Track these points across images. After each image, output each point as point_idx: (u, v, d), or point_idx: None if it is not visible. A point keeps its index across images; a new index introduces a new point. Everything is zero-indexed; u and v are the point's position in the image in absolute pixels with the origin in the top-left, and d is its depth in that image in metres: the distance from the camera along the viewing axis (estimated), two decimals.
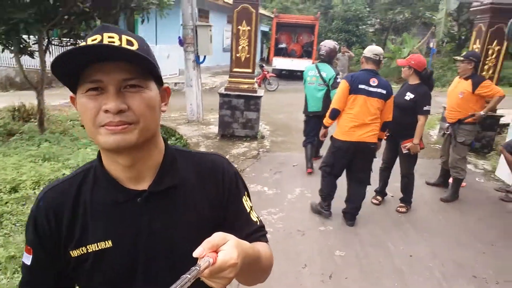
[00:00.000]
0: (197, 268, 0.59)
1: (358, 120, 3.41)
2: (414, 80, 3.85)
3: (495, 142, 6.22)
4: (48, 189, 0.85)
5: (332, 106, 3.59)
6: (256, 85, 6.64)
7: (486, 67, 6.00)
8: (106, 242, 0.79)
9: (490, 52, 5.96)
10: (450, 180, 4.58)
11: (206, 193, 0.86)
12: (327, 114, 3.65)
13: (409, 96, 3.80)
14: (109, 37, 0.71)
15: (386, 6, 19.12)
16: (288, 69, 16.23)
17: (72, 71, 0.71)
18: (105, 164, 0.81)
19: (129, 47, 0.71)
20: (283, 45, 16.48)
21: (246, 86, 6.40)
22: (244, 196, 0.92)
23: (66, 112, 8.44)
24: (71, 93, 0.78)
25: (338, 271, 2.97)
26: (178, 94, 12.51)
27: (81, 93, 0.73)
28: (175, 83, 13.50)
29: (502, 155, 4.93)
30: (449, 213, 4.10)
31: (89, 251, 0.80)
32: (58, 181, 0.86)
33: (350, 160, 3.57)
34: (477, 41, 6.14)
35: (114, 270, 0.80)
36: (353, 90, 3.40)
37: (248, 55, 6.32)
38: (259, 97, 6.49)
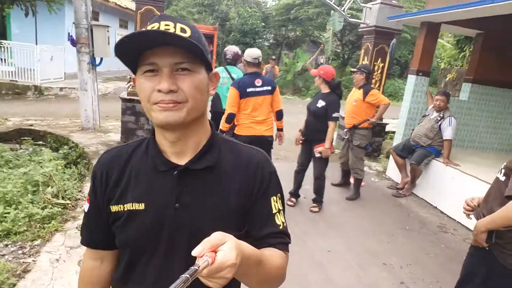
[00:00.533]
0: (196, 267, 0.60)
1: (254, 118, 3.75)
2: (324, 89, 4.13)
3: (382, 147, 7.06)
4: (108, 150, 0.98)
5: (227, 111, 3.74)
6: None
7: (373, 81, 6.80)
8: (140, 204, 0.87)
9: (376, 68, 6.78)
10: (352, 180, 5.01)
11: (238, 182, 0.89)
12: (223, 118, 3.78)
13: (320, 103, 4.05)
14: (165, 25, 0.79)
15: (280, 23, 20.41)
16: None
17: (132, 54, 0.79)
18: (156, 137, 0.90)
19: (182, 34, 0.78)
20: None
21: None
22: (274, 197, 0.92)
23: None
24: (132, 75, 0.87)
25: None
26: (65, 100, 11.21)
27: (140, 74, 0.81)
28: (61, 88, 12.09)
29: (391, 157, 5.61)
30: (356, 210, 4.46)
31: (124, 209, 0.88)
32: (117, 146, 0.97)
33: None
34: (365, 57, 6.93)
35: (141, 231, 0.87)
36: (243, 94, 3.67)
37: None
38: None
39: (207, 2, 21.76)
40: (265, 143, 3.80)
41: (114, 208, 0.90)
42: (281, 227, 0.91)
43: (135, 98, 5.87)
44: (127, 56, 0.80)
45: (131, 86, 6.11)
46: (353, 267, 3.16)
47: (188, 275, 0.58)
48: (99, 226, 0.95)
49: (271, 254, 0.85)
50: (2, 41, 11.99)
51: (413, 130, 5.26)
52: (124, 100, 5.87)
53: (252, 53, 3.80)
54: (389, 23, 6.16)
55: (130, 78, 12.00)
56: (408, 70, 19.81)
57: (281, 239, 0.90)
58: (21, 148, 6.45)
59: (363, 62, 6.96)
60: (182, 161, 0.88)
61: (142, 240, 0.88)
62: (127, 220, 0.88)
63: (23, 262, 2.72)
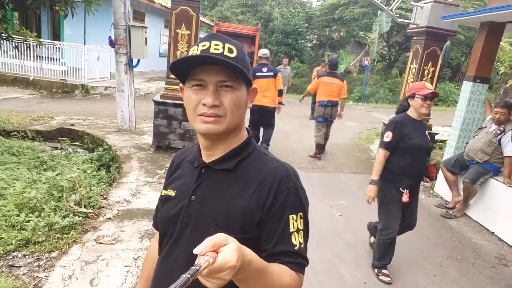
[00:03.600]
0: (197, 267, 0.60)
1: (260, 93, 5.53)
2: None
3: (431, 158, 6.43)
4: (182, 148, 1.30)
5: None
6: None
7: None
8: (173, 191, 1.02)
9: (425, 72, 6.18)
10: None
11: (252, 189, 0.91)
12: None
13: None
14: (215, 44, 0.89)
15: (323, 23, 19.81)
16: None
17: (185, 70, 0.90)
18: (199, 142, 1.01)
19: (229, 54, 0.89)
20: None
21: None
22: (294, 215, 0.90)
23: None
24: (180, 84, 0.98)
25: None
26: (109, 99, 11.50)
27: (188, 87, 0.92)
28: (106, 87, 12.46)
29: (440, 172, 5.04)
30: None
31: (165, 194, 1.05)
32: (187, 147, 1.14)
33: (261, 116, 5.98)
34: (414, 61, 6.34)
35: (167, 214, 1.00)
36: (254, 77, 5.66)
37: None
38: None
39: (250, 3, 21.68)
40: (267, 111, 5.95)
41: (162, 192, 1.07)
42: (296, 248, 0.88)
43: (168, 101, 5.75)
44: (180, 71, 0.91)
45: (163, 90, 6.00)
46: None
47: (189, 275, 0.58)
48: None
49: (279, 270, 0.84)
50: (55, 42, 12.62)
51: (467, 143, 4.68)
52: (156, 103, 5.77)
53: (262, 51, 6.04)
54: (442, 23, 5.56)
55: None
56: (460, 73, 18.52)
57: (294, 259, 0.88)
58: (61, 148, 6.61)
59: (411, 66, 6.39)
60: (210, 160, 0.97)
61: (166, 221, 1.00)
62: (163, 204, 1.04)
63: (36, 276, 2.61)
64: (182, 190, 0.99)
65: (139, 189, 4.34)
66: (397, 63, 18.55)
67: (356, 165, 6.37)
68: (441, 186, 5.17)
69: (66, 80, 12.29)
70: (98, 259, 2.89)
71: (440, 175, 5.08)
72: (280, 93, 6.02)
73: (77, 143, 6.77)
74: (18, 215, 3.15)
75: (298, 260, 0.88)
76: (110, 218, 3.56)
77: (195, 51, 0.89)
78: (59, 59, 12.45)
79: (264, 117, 6.00)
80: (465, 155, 4.55)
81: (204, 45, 0.89)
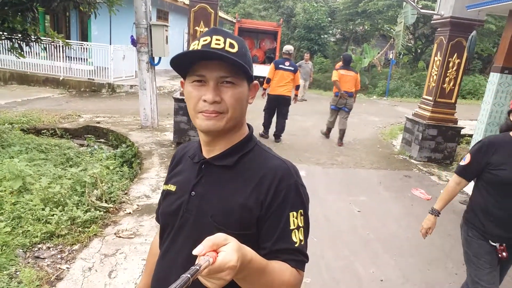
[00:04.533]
0: (197, 267, 0.60)
1: (279, 83, 6.58)
2: None
3: (456, 153, 6.23)
4: (184, 143, 1.25)
5: (267, 77, 6.72)
6: None
7: (447, 79, 6.00)
8: (174, 186, 1.02)
9: (450, 64, 5.96)
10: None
11: (253, 187, 0.90)
12: (265, 80, 6.75)
13: None
14: (216, 39, 0.88)
15: (347, 17, 19.44)
16: None
17: (185, 65, 0.90)
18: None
19: (230, 49, 0.87)
20: None
21: None
22: (294, 212, 0.89)
23: (4, 114, 7.54)
24: (181, 79, 0.97)
25: None
26: (134, 97, 11.79)
27: (188, 82, 0.91)
28: (131, 86, 12.78)
29: None
30: (417, 230, 3.87)
31: (166, 189, 1.05)
32: (189, 142, 1.13)
33: (277, 105, 6.75)
34: (438, 53, 6.14)
35: (168, 209, 1.01)
36: (276, 67, 6.60)
37: None
38: None
39: None
40: (284, 99, 6.70)
41: (164, 187, 1.07)
42: (297, 245, 0.88)
43: None
44: (181, 66, 0.91)
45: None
46: None
47: (189, 275, 0.58)
48: None
49: (279, 267, 0.83)
50: (83, 42, 13.06)
51: None
52: (176, 100, 5.87)
53: (286, 48, 6.92)
54: (468, 13, 5.34)
55: None
56: (491, 65, 17.69)
57: (294, 256, 0.87)
58: (87, 145, 6.84)
59: (436, 58, 6.18)
60: (210, 156, 0.97)
61: (167, 216, 1.01)
62: (164, 198, 1.05)
63: (59, 268, 2.73)
64: (183, 186, 0.99)
65: (159, 184, 4.44)
66: (423, 56, 17.96)
67: (378, 160, 6.24)
68: None
69: (93, 79, 12.70)
70: (117, 252, 2.98)
71: None
72: (298, 87, 7.08)
73: (102, 140, 6.98)
74: (43, 209, 3.30)
75: (298, 257, 0.88)
76: (130, 213, 3.66)
77: (196, 46, 0.88)
78: (86, 59, 12.88)
79: (280, 106, 6.77)
80: None
81: (205, 40, 0.88)
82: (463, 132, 6.51)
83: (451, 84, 6.03)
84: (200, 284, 0.66)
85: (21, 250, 2.88)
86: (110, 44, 12.58)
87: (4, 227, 2.96)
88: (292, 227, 0.88)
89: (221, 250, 0.65)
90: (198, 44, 0.88)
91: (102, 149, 6.24)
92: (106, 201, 3.67)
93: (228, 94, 0.87)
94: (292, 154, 6.19)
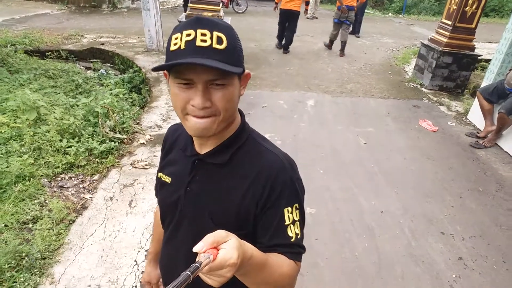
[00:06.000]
0: (198, 265, 0.60)
1: None
2: None
3: (470, 81, 6.09)
4: (173, 125, 1.12)
5: None
6: (222, 12, 5.92)
7: (470, 1, 5.57)
8: (168, 178, 1.02)
9: None
10: None
11: (247, 184, 0.89)
12: None
13: None
14: (202, 34, 0.77)
15: None
16: None
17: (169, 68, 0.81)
18: None
19: (218, 46, 0.78)
20: None
21: (210, 13, 5.68)
22: (289, 207, 0.89)
23: (5, 34, 7.33)
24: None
25: (308, 232, 2.83)
26: (136, 14, 11.24)
27: (174, 83, 0.83)
28: (133, 1, 12.11)
29: (476, 99, 4.82)
30: (421, 162, 4.02)
31: (161, 178, 1.04)
32: (179, 123, 1.04)
33: (286, 19, 7.31)
34: None
35: (166, 199, 1.03)
36: None
37: None
38: None
39: None
40: (294, 14, 7.23)
41: (159, 174, 1.07)
42: (293, 239, 0.88)
43: None
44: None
45: (188, 9, 5.78)
46: (406, 234, 2.92)
47: (189, 273, 0.59)
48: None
49: (278, 261, 0.85)
50: None
51: (510, 70, 4.35)
52: None
53: None
54: None
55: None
56: None
57: (291, 249, 0.88)
58: (94, 69, 6.76)
59: None
60: (203, 151, 0.95)
61: (165, 207, 1.04)
62: (161, 187, 1.06)
63: (83, 197, 2.95)
64: (177, 179, 0.99)
65: (169, 114, 4.51)
66: None
67: (388, 88, 6.16)
68: (475, 114, 4.98)
69: None
70: (135, 182, 3.18)
71: (476, 102, 4.86)
72: (307, 3, 8.20)
73: (108, 64, 6.88)
74: (60, 141, 3.44)
75: (295, 250, 0.89)
76: (143, 143, 3.80)
77: (178, 41, 0.78)
78: None
79: (289, 19, 7.34)
80: (505, 83, 4.27)
81: (189, 35, 0.77)
82: (482, 56, 6.25)
83: (474, 6, 5.61)
84: (201, 281, 0.66)
85: (46, 180, 3.08)
86: None
87: (27, 158, 3.12)
88: (287, 222, 0.88)
89: (222, 247, 0.65)
90: (180, 40, 0.78)
91: (109, 74, 6.19)
92: (119, 132, 3.78)
93: (219, 96, 0.81)
94: (301, 81, 6.10)
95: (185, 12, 8.11)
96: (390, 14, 14.55)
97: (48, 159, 3.25)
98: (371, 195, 3.37)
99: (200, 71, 0.78)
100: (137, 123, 4.18)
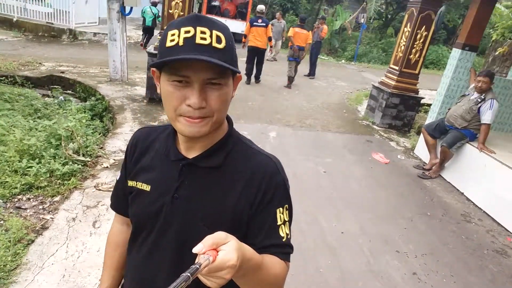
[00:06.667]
0: (197, 266, 0.60)
1: (255, 37, 8.12)
2: None
3: (415, 121, 6.70)
4: (141, 128, 1.04)
5: (244, 33, 8.52)
6: None
7: (413, 50, 6.30)
8: (147, 185, 0.93)
9: (418, 36, 6.24)
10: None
11: (240, 187, 0.88)
12: (243, 37, 8.62)
13: None
14: (202, 32, 0.76)
15: None
16: None
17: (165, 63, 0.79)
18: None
19: (217, 45, 0.77)
20: (216, 3, 15.63)
21: None
22: (280, 208, 0.90)
23: None
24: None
25: None
26: (98, 46, 11.24)
27: (167, 80, 0.80)
28: (94, 33, 12.11)
29: (421, 135, 5.32)
30: (376, 189, 4.32)
31: (136, 186, 0.95)
32: (149, 126, 1.04)
33: (254, 55, 8.35)
34: (408, 24, 6.37)
35: (144, 210, 0.93)
36: (252, 26, 8.13)
37: (182, 13, 5.74)
38: None
39: None
40: (259, 51, 8.31)
41: (130, 183, 0.98)
42: (284, 239, 0.89)
43: None
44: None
45: (157, 41, 5.96)
46: (365, 252, 3.10)
47: (189, 274, 0.58)
48: (125, 195, 1.02)
49: (271, 261, 0.85)
50: None
51: (449, 109, 4.90)
52: (150, 54, 5.77)
53: (259, 7, 8.41)
54: None
55: (144, 36, 11.84)
56: (455, 36, 18.37)
57: (282, 249, 0.89)
58: (52, 96, 6.60)
59: (405, 29, 6.43)
60: (190, 155, 0.90)
61: (144, 217, 0.94)
62: (136, 197, 0.95)
63: (42, 218, 2.84)
64: (160, 186, 0.92)
65: None
66: (393, 22, 18.27)
67: (343, 125, 6.60)
68: (420, 149, 5.47)
69: (52, 23, 11.86)
70: (99, 204, 3.12)
71: (421, 138, 5.36)
72: (269, 39, 8.65)
73: (69, 91, 6.76)
74: (20, 161, 3.32)
75: (286, 250, 0.90)
76: (107, 167, 3.75)
77: (175, 37, 0.76)
78: (43, 0, 11.90)
79: (257, 56, 8.42)
80: (446, 120, 4.79)
81: (188, 32, 0.76)
82: (422, 101, 6.96)
83: (417, 55, 6.35)
84: (200, 283, 0.66)
85: (1, 201, 2.93)
86: None
87: None
88: (279, 222, 0.89)
89: (221, 249, 0.64)
90: (178, 36, 0.76)
91: (70, 100, 6.08)
92: (83, 155, 3.72)
93: (215, 96, 0.80)
94: (263, 115, 6.38)
95: (145, 48, 8.62)
96: (343, 61, 15.74)
97: (5, 179, 3.11)
98: (331, 217, 3.54)
99: (198, 69, 0.76)
100: (101, 148, 4.13)
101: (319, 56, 11.07)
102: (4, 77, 6.71)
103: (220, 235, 0.66)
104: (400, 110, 6.56)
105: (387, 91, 6.47)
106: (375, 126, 6.69)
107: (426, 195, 4.37)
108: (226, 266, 0.63)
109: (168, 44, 0.77)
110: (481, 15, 4.84)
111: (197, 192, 0.89)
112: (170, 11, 5.67)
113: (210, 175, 0.90)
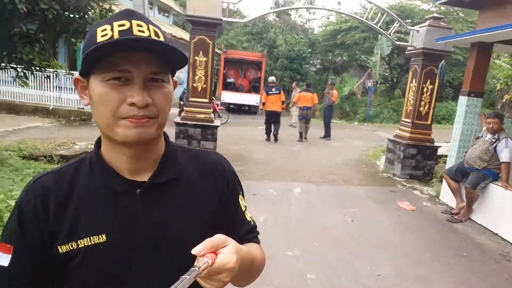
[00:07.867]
0: (196, 269, 0.59)
1: (272, 102, 9.76)
2: None
3: (435, 171, 6.79)
4: (38, 177, 0.78)
5: (262, 101, 10.56)
6: (212, 115, 6.66)
7: (422, 103, 6.66)
8: (100, 236, 0.73)
9: (424, 90, 6.64)
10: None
11: (205, 189, 0.85)
12: (261, 104, 11.90)
13: None
14: (138, 25, 0.69)
15: (326, 48, 20.59)
16: (236, 103, 16.55)
17: (98, 57, 0.67)
18: (105, 155, 0.78)
19: (156, 38, 0.70)
20: (231, 80, 16.85)
21: (202, 115, 6.39)
22: (240, 195, 0.92)
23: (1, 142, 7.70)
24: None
25: None
26: None
27: (101, 81, 0.69)
28: None
29: (444, 181, 5.39)
30: (406, 234, 4.32)
31: (79, 246, 0.72)
32: (49, 171, 0.79)
33: (271, 118, 9.83)
34: (413, 80, 6.83)
35: (106, 267, 0.73)
36: (267, 94, 9.90)
37: (204, 85, 6.36)
38: (216, 127, 6.49)
39: (255, 31, 22.57)
40: (276, 114, 9.76)
41: (63, 248, 0.72)
42: (252, 223, 0.93)
43: (188, 122, 6.26)
44: (88, 59, 0.68)
45: (183, 112, 6.52)
46: None
47: (187, 276, 0.57)
48: (30, 279, 0.74)
49: (255, 251, 0.87)
50: (72, 72, 13.36)
51: (466, 152, 5.05)
52: (177, 124, 6.27)
53: (270, 78, 10.85)
54: (437, 45, 6.07)
55: (182, 104, 12.78)
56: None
57: (254, 233, 0.93)
58: None
59: (411, 85, 6.86)
60: (141, 177, 0.77)
61: (106, 277, 0.73)
62: (85, 259, 0.72)
63: None
64: (120, 227, 0.74)
65: None
66: (399, 85, 19.10)
67: (365, 178, 6.73)
68: (445, 194, 5.50)
69: (83, 108, 12.93)
70: None
71: (444, 184, 5.42)
72: (283, 102, 10.12)
73: None
74: None
75: (256, 233, 0.93)
76: None
77: (108, 31, 0.68)
78: (75, 89, 13.12)
79: (274, 117, 9.88)
80: (465, 163, 4.91)
81: (123, 25, 0.68)
82: (440, 152, 7.11)
83: (426, 107, 6.68)
84: (198, 286, 0.64)
85: None
86: None
87: None
88: (243, 209, 0.91)
89: (220, 252, 0.64)
90: (112, 30, 0.68)
91: None
92: None
93: (159, 94, 0.72)
94: (286, 174, 6.60)
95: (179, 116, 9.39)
96: (356, 122, 16.26)
97: None
98: (365, 263, 3.55)
99: (140, 62, 0.68)
100: None
101: (331, 120, 11.58)
102: (42, 157, 7.28)
103: (219, 238, 0.65)
104: (418, 160, 6.70)
105: (403, 142, 6.70)
106: (396, 178, 6.78)
107: (459, 238, 4.33)
108: (225, 268, 0.63)
109: (100, 39, 0.67)
110: (479, 65, 5.23)
111: (170, 210, 0.78)
112: (194, 84, 6.29)
113: (174, 188, 0.80)
